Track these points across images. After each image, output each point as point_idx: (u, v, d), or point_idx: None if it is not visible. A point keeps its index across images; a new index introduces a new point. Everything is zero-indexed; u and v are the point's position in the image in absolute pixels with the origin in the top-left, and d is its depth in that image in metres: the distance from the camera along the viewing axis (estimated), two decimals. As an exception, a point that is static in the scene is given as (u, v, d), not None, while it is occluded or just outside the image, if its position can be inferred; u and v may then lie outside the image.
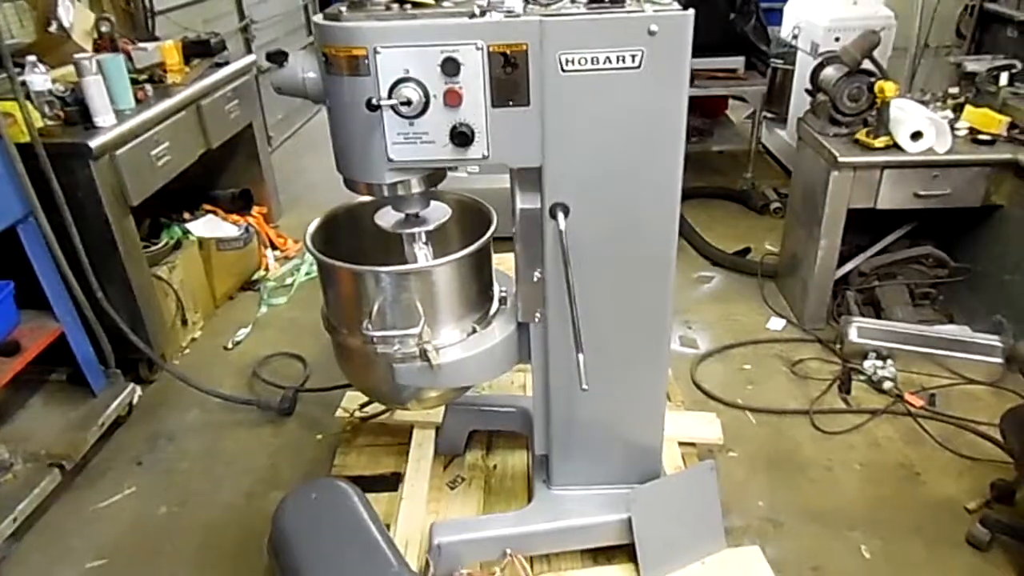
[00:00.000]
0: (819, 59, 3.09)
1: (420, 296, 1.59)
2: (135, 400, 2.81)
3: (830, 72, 2.97)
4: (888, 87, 2.71)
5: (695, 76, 3.86)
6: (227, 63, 3.45)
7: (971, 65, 3.14)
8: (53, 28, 3.01)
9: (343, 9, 1.38)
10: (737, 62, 4.21)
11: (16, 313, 2.46)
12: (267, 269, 3.79)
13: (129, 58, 3.20)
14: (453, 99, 1.39)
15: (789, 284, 3.37)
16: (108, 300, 2.60)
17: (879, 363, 2.82)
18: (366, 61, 1.37)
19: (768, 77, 4.42)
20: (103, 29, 3.16)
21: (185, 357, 3.20)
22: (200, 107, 3.14)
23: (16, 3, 3.09)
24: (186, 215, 3.50)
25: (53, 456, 2.38)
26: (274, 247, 3.94)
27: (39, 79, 2.58)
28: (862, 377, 2.83)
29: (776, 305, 3.36)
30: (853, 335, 2.90)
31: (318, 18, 1.41)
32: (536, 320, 1.67)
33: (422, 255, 1.66)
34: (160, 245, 3.17)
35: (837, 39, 3.88)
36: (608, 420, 1.79)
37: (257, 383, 3.00)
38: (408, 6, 1.38)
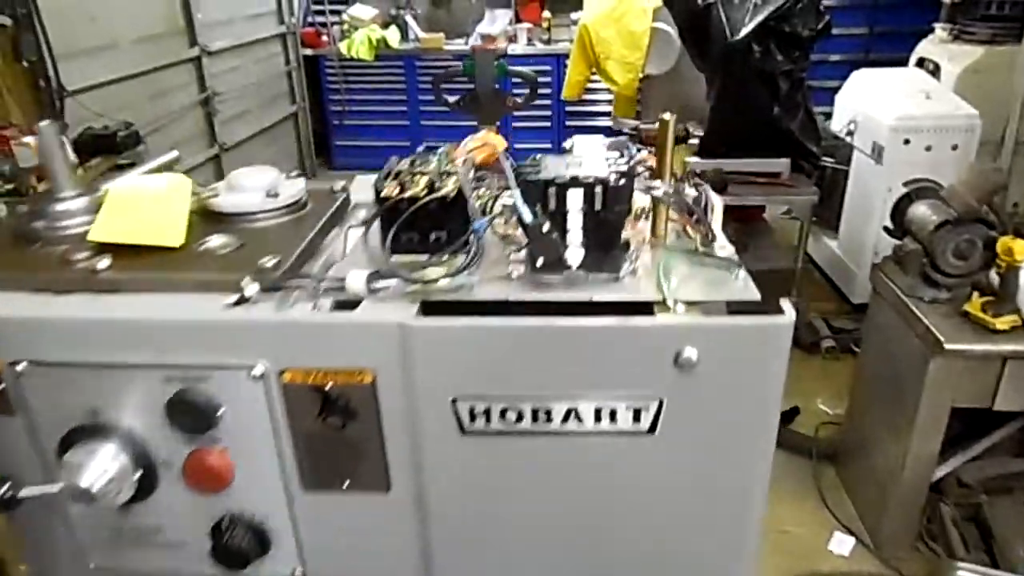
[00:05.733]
0: (906, 190, 2.28)
1: None
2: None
3: (924, 212, 2.15)
4: (1019, 247, 1.89)
5: (728, 183, 3.10)
6: (133, 164, 2.71)
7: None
8: None
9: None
10: (781, 165, 3.41)
11: None
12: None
13: (9, 156, 2.50)
14: (205, 476, 0.58)
15: (857, 478, 2.49)
16: None
17: (1001, 637, 1.94)
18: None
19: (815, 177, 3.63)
20: (-35, 122, 2.44)
21: None
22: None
23: None
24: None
25: None
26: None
27: None
28: (976, 656, 1.95)
29: (840, 510, 2.47)
30: (961, 591, 2.02)
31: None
32: None
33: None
34: None
35: (907, 142, 3.18)
36: None
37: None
38: (106, 261, 0.59)
